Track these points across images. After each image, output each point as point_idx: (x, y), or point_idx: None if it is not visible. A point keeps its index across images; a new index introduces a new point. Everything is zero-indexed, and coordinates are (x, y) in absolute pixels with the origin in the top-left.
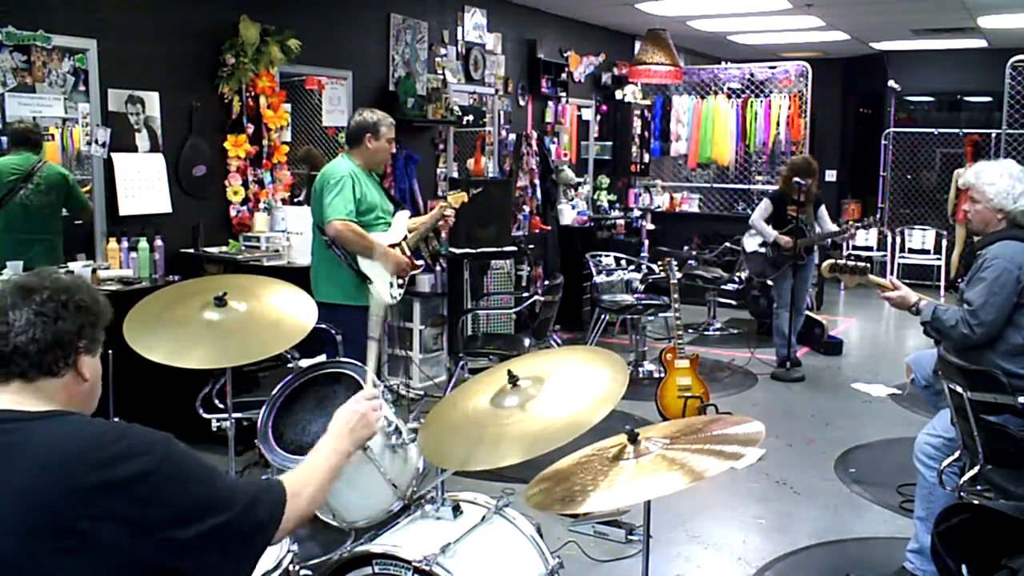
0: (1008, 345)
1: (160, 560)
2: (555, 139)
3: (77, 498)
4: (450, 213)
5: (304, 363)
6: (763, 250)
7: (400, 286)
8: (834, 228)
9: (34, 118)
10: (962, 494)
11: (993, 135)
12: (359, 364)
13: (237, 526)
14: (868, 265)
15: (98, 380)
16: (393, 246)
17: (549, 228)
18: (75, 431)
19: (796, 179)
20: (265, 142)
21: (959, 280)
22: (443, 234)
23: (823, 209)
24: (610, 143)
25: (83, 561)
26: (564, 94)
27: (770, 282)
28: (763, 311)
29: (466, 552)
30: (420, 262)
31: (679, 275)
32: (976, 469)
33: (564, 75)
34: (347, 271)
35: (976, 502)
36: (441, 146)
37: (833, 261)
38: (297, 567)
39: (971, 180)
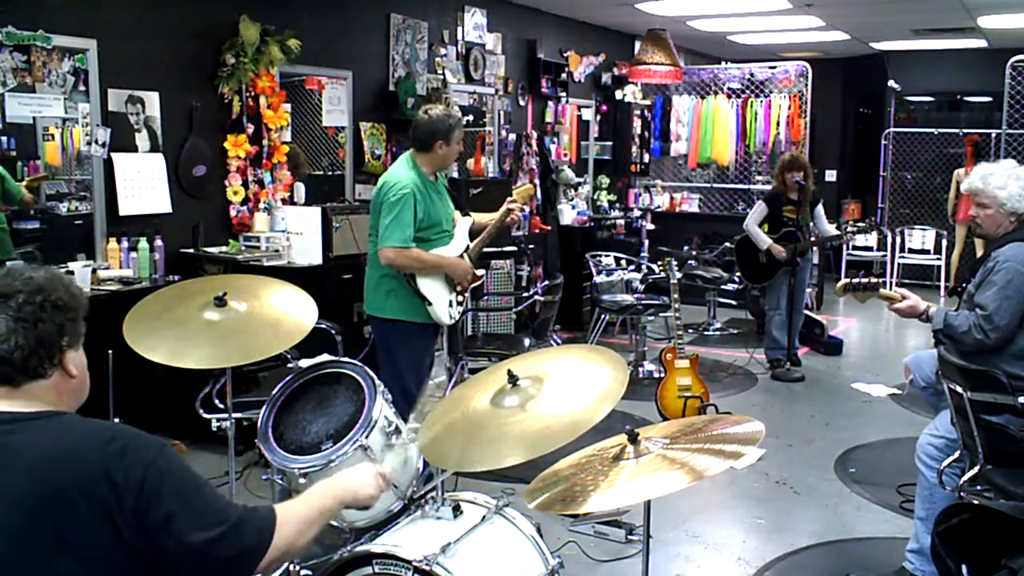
0: (1017, 348)
1: (145, 564)
2: (555, 139)
3: (68, 499)
4: (515, 207)
5: (304, 363)
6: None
7: (460, 303)
8: (830, 229)
9: (34, 118)
10: (962, 494)
11: (993, 135)
12: (359, 364)
13: (222, 545)
14: (880, 281)
15: (85, 372)
16: None
17: (549, 228)
18: (68, 432)
19: (792, 175)
20: (265, 142)
21: (962, 286)
22: None
23: (820, 208)
24: (610, 143)
25: (73, 561)
26: (564, 94)
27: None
28: (763, 311)
29: (466, 552)
30: (481, 272)
31: (679, 275)
32: (976, 469)
33: (564, 75)
34: (407, 286)
35: (976, 502)
36: None
37: (847, 281)
38: (297, 567)
39: (978, 185)
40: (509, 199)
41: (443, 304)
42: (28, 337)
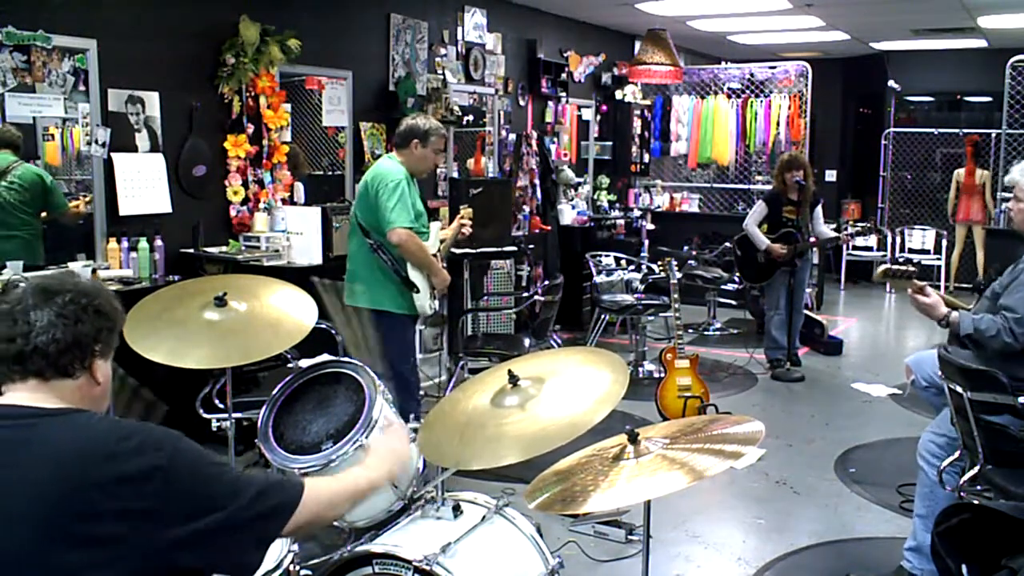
0: None
1: (170, 555)
2: (555, 139)
3: (89, 493)
4: (467, 223)
5: (304, 363)
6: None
7: (437, 298)
8: (827, 231)
9: (34, 118)
10: (962, 494)
11: (993, 135)
12: (360, 364)
13: (245, 516)
14: (916, 269)
15: (109, 384)
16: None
17: (549, 228)
18: (88, 427)
19: (792, 175)
20: (265, 142)
21: (982, 286)
22: None
23: (819, 209)
24: (610, 143)
25: (94, 555)
26: (564, 94)
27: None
28: (763, 311)
29: (466, 552)
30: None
31: (679, 275)
32: (976, 469)
33: (564, 75)
34: (393, 277)
35: (976, 502)
36: None
37: (887, 267)
38: (297, 567)
39: (1016, 178)
40: (459, 217)
41: (426, 295)
42: (66, 333)
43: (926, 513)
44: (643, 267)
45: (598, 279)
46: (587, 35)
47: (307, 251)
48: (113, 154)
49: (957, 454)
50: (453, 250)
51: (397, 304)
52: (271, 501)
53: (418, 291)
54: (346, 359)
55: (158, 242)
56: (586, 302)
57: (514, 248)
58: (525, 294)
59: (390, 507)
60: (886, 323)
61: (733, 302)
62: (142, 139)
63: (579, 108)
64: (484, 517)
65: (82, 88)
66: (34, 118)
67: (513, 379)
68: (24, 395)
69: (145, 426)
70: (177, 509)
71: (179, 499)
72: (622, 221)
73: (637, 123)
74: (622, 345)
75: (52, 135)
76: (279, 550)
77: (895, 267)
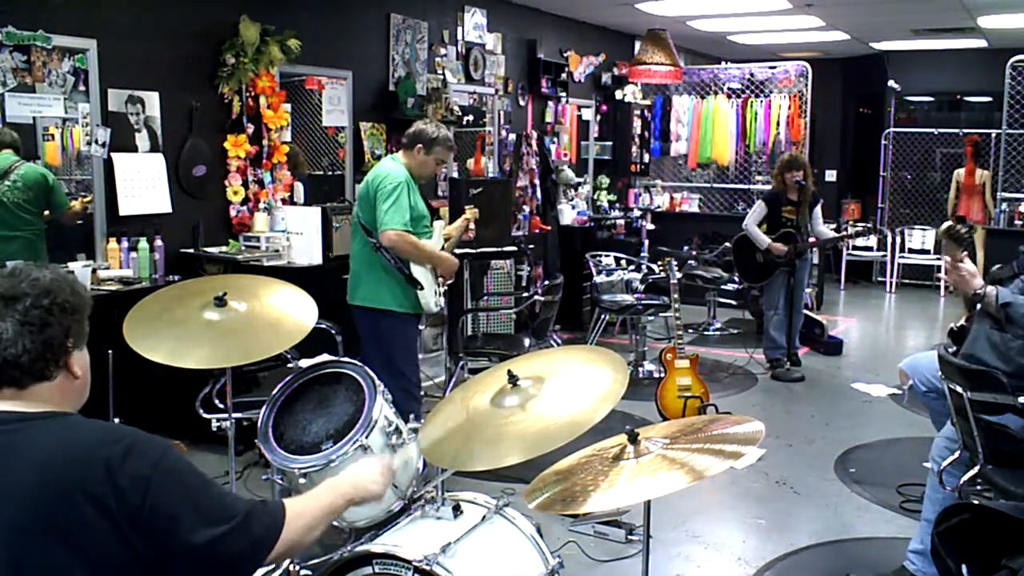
0: None
1: (151, 565)
2: (555, 139)
3: (73, 499)
4: (472, 224)
5: (304, 363)
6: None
7: (443, 294)
8: (825, 231)
9: (34, 118)
10: (962, 494)
11: (993, 135)
12: (359, 364)
13: (230, 540)
14: (972, 232)
15: (88, 371)
16: None
17: (549, 228)
18: (73, 433)
19: (792, 175)
20: (265, 142)
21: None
22: None
23: (818, 209)
24: (610, 143)
25: (77, 562)
26: (564, 94)
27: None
28: (763, 311)
29: (466, 552)
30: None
31: (679, 275)
32: (976, 469)
33: (564, 75)
34: (397, 275)
35: (976, 502)
36: None
37: (951, 225)
38: (297, 567)
39: None
40: (464, 217)
41: (431, 291)
42: (35, 341)
43: (933, 517)
44: (643, 267)
45: (598, 279)
46: (587, 35)
47: (307, 251)
48: (113, 154)
49: (957, 454)
50: (453, 250)
51: (400, 303)
52: (259, 527)
53: (422, 288)
54: (346, 359)
55: (158, 242)
56: (586, 302)
57: (514, 248)
58: (525, 294)
59: (390, 507)
60: (886, 323)
61: (733, 302)
62: (142, 139)
63: (579, 108)
64: (484, 517)
65: (82, 88)
66: (34, 118)
67: (513, 379)
68: (2, 403)
69: (134, 432)
70: (164, 519)
71: (166, 509)
72: (622, 221)
73: (637, 123)
74: (622, 345)
75: (52, 135)
76: None
77: (959, 227)
